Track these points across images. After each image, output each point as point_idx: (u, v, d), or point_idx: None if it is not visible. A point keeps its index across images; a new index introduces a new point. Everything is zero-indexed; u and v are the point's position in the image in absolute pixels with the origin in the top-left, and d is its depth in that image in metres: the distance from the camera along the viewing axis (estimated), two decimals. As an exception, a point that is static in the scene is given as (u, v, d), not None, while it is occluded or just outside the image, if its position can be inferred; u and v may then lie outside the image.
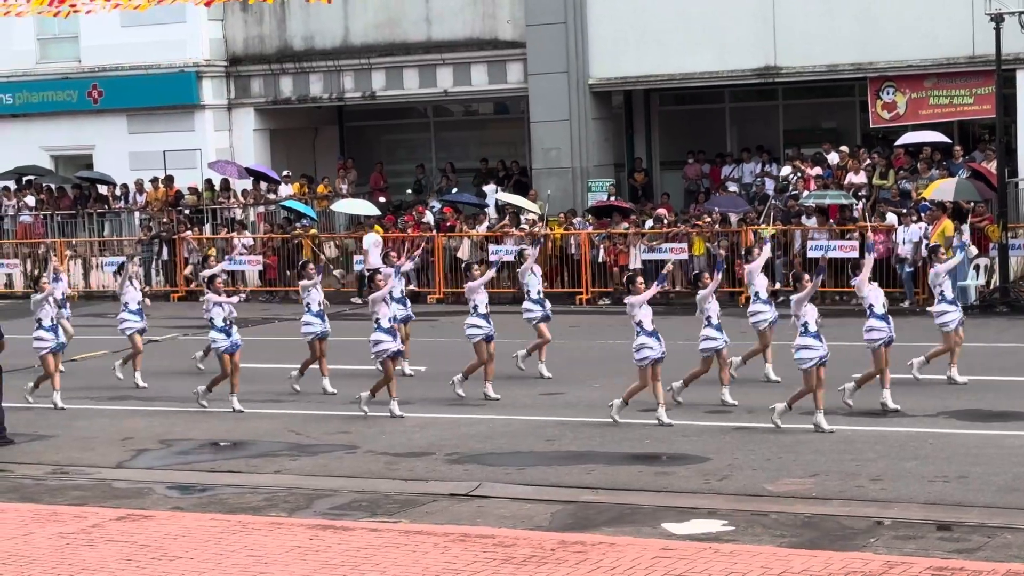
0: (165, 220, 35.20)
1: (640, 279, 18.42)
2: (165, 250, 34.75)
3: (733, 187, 32.70)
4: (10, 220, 37.72)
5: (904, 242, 27.48)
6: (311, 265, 21.86)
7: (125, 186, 36.93)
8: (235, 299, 20.61)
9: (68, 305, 23.74)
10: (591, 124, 34.01)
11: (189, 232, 34.34)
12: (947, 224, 26.68)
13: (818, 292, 18.22)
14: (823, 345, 16.92)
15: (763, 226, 25.81)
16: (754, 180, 33.26)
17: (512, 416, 18.55)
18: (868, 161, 30.91)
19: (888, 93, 31.36)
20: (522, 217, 31.71)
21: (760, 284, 20.41)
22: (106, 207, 37.02)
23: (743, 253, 21.82)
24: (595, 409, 18.49)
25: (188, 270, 33.90)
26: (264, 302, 32.39)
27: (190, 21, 36.37)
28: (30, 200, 37.76)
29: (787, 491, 14.17)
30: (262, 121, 37.90)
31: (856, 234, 28.07)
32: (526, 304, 21.64)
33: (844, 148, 31.81)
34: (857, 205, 29.20)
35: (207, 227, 35.35)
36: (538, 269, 21.99)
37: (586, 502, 14.07)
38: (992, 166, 28.43)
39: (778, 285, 26.45)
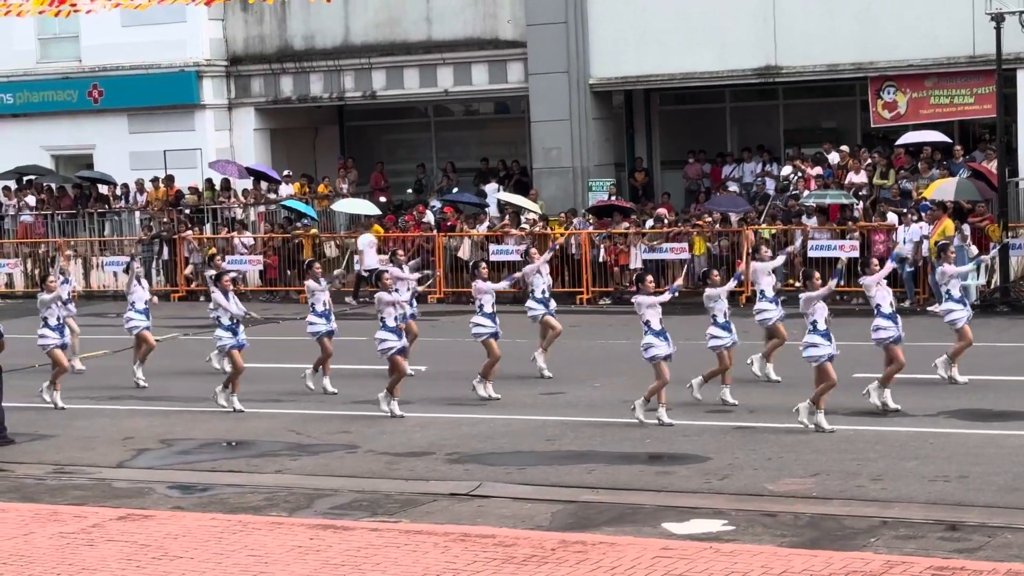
0: (165, 220, 35.17)
1: (650, 277, 18.42)
2: (166, 250, 34.73)
3: (734, 187, 32.70)
4: (11, 220, 37.70)
5: (905, 241, 27.46)
6: (317, 264, 21.93)
7: (125, 186, 36.92)
8: (244, 313, 20.34)
9: (73, 303, 23.71)
10: (592, 124, 33.99)
11: (189, 232, 34.34)
12: (947, 224, 26.66)
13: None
14: (831, 344, 16.93)
15: (763, 226, 25.76)
16: (755, 180, 33.25)
17: (513, 416, 18.53)
18: (869, 161, 30.91)
19: (889, 93, 31.35)
20: (522, 217, 31.71)
21: (766, 283, 20.44)
22: (107, 207, 37.00)
23: (751, 251, 21.79)
24: (596, 409, 18.49)
25: (189, 270, 33.92)
26: (264, 302, 32.37)
27: (190, 21, 36.32)
28: (31, 200, 37.74)
29: (788, 491, 14.16)
30: (262, 121, 37.88)
31: (857, 234, 28.04)
32: (529, 303, 21.68)
33: (844, 148, 31.80)
34: (858, 205, 29.20)
35: (207, 227, 35.33)
36: (546, 269, 22.03)
37: (587, 502, 14.06)
38: (992, 166, 28.42)
39: (778, 285, 26.39)
